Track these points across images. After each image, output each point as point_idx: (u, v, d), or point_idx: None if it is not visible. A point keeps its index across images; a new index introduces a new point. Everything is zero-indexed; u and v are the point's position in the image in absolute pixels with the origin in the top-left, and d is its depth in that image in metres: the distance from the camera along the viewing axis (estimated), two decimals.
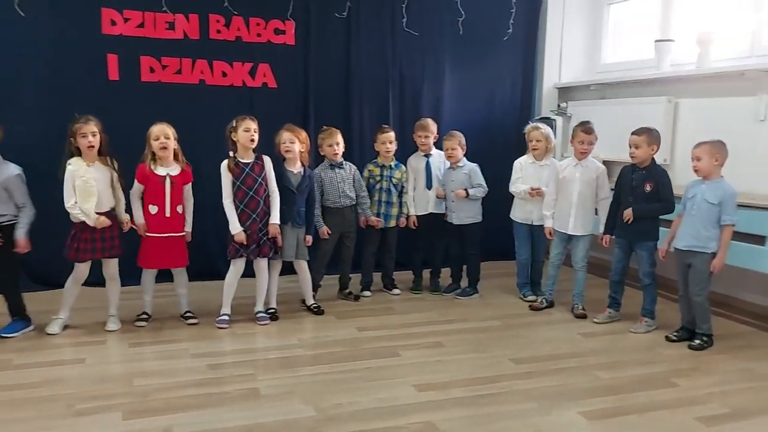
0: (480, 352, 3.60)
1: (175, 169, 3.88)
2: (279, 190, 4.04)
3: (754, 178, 4.06)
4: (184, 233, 3.95)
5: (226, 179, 3.90)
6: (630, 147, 3.95)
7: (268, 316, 4.07)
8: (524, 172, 4.56)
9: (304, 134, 4.22)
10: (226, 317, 3.97)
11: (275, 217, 3.99)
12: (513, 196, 4.64)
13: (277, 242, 4.02)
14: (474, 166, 4.62)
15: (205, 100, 4.95)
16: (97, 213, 3.68)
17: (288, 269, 4.28)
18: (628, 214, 3.92)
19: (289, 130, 4.13)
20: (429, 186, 4.70)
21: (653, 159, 3.95)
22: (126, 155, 3.94)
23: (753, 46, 4.51)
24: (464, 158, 4.62)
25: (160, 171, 3.85)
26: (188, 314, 4.04)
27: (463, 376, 3.24)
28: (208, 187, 4.18)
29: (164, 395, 2.99)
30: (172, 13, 4.82)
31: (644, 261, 3.94)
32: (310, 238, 4.19)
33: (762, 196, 4.02)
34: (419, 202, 4.71)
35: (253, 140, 3.89)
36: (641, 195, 3.90)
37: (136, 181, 3.90)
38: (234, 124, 3.91)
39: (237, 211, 3.89)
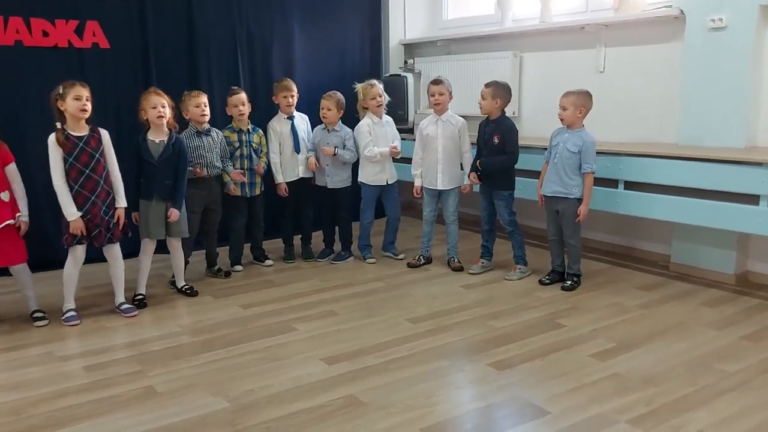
0: (375, 315, 3.56)
1: None
2: (139, 163, 3.63)
3: (596, 126, 4.36)
4: (13, 222, 3.38)
5: (56, 155, 3.35)
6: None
7: (134, 306, 3.69)
8: (374, 135, 4.49)
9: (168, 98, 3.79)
10: (73, 313, 3.52)
11: (122, 200, 3.56)
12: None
13: (120, 225, 3.56)
14: (351, 131, 4.50)
15: (23, 64, 4.29)
16: None
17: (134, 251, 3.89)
18: (473, 175, 4.15)
19: (158, 93, 3.69)
20: (297, 149, 4.51)
21: (503, 112, 4.11)
22: None
23: (588, 2, 4.82)
24: (340, 121, 4.48)
25: None
26: (37, 314, 3.53)
27: (368, 342, 3.19)
28: (34, 166, 3.69)
29: (42, 409, 2.59)
30: None
31: (503, 210, 4.14)
32: (174, 213, 3.74)
33: (607, 142, 4.36)
34: (288, 168, 4.51)
35: (84, 110, 3.36)
36: (492, 147, 4.08)
37: None
38: (60, 91, 3.35)
39: (72, 192, 3.38)
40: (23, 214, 3.43)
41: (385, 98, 4.54)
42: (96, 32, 4.53)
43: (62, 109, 3.36)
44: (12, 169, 3.41)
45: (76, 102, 3.34)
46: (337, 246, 4.70)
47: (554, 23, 4.89)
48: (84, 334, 3.39)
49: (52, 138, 3.37)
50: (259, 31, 5.17)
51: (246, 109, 4.32)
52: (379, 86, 4.51)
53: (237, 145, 4.31)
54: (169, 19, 4.78)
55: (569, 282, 3.92)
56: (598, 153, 4.10)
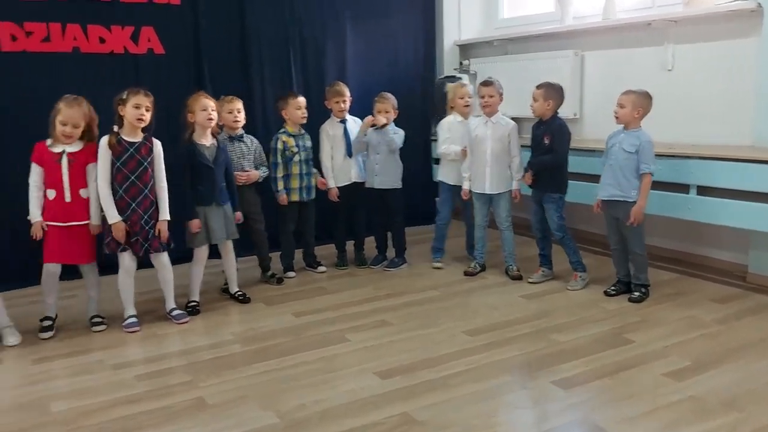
0: (431, 326, 3.42)
1: (75, 145, 3.32)
2: (194, 168, 3.60)
3: (664, 127, 4.13)
4: (88, 222, 3.37)
5: (105, 158, 3.33)
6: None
7: (185, 312, 3.64)
8: (453, 133, 4.39)
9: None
10: (134, 319, 3.50)
11: (165, 213, 3.50)
12: (428, 158, 4.47)
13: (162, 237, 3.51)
14: (401, 134, 4.40)
15: (81, 71, 4.32)
16: None
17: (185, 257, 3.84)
18: (525, 180, 4.00)
19: (207, 96, 3.66)
20: (350, 153, 4.43)
21: (556, 113, 3.92)
22: None
23: None
24: (392, 123, 4.39)
25: (56, 148, 3.27)
26: (96, 319, 3.53)
27: (423, 355, 3.06)
28: None
29: (93, 420, 2.55)
30: None
31: (552, 213, 3.94)
32: (240, 215, 3.79)
33: (676, 144, 4.12)
34: (340, 173, 4.42)
35: (141, 119, 3.35)
36: (542, 148, 3.91)
37: (33, 164, 3.30)
38: (124, 96, 3.37)
39: (115, 197, 3.35)
40: (94, 217, 3.40)
41: (476, 100, 4.40)
42: (151, 38, 4.54)
43: (121, 114, 3.36)
44: (93, 169, 3.38)
45: (135, 110, 3.34)
46: (391, 252, 4.58)
47: (618, 20, 4.65)
48: (137, 341, 3.36)
49: (104, 140, 3.36)
50: (311, 32, 5.11)
51: (306, 113, 4.26)
52: (470, 87, 4.46)
53: (295, 150, 4.24)
54: (222, 22, 4.77)
55: (637, 293, 3.70)
56: (668, 156, 3.89)
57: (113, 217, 3.34)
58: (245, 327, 3.52)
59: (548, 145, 3.87)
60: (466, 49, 5.89)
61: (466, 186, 4.28)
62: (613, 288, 3.82)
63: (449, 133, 4.41)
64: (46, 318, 3.42)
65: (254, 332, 3.42)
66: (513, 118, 4.35)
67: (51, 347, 3.28)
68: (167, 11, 4.57)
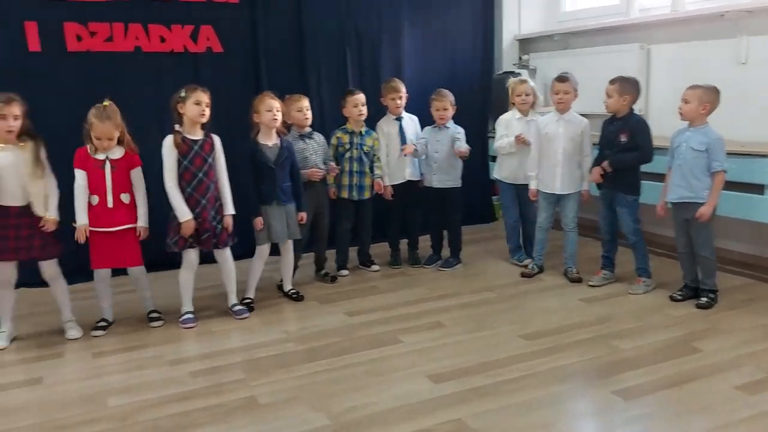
0: (485, 329, 3.34)
1: (116, 152, 3.35)
2: (257, 168, 3.61)
3: (738, 124, 3.90)
4: (132, 226, 3.40)
5: (171, 157, 3.37)
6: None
7: (246, 308, 3.67)
8: (510, 129, 4.28)
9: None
10: (190, 315, 3.54)
11: (229, 207, 3.54)
12: (486, 156, 4.37)
13: (229, 231, 3.55)
14: (461, 131, 4.31)
15: (142, 69, 4.40)
16: (7, 207, 3.17)
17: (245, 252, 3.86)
18: (594, 177, 3.80)
19: (272, 96, 3.67)
20: None
21: (631, 109, 3.75)
22: (52, 138, 3.38)
23: None
24: (452, 120, 4.31)
25: (99, 155, 3.32)
26: (153, 314, 3.59)
27: (477, 359, 2.98)
28: (149, 168, 3.63)
29: (148, 416, 2.58)
30: None
31: (626, 217, 3.77)
32: (304, 215, 3.80)
33: (751, 142, 3.89)
34: (395, 171, 4.37)
35: (203, 114, 3.39)
36: (617, 146, 3.73)
37: (76, 169, 3.35)
38: (182, 95, 3.40)
39: (184, 195, 3.40)
40: (142, 221, 3.43)
41: (535, 97, 4.31)
42: (210, 37, 4.58)
43: (182, 112, 3.39)
44: (137, 174, 3.42)
45: (196, 107, 3.37)
46: (446, 252, 4.50)
47: (688, 11, 4.44)
48: (193, 337, 3.40)
49: (168, 140, 3.40)
50: (367, 29, 5.07)
51: (365, 110, 4.22)
52: (530, 84, 4.32)
53: (347, 146, 4.22)
54: (279, 20, 4.77)
55: (704, 299, 3.51)
56: (740, 154, 3.68)
57: (185, 214, 3.38)
58: (298, 325, 3.51)
59: (626, 143, 3.68)
60: (526, 44, 5.74)
61: (533, 186, 4.15)
62: (679, 293, 3.64)
63: (506, 130, 4.30)
64: (102, 320, 3.49)
65: (307, 331, 3.41)
66: None
67: (110, 342, 3.34)
68: (226, 10, 4.61)
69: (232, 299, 3.66)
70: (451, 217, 4.39)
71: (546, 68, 5.33)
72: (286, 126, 3.88)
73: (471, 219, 5.03)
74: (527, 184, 4.22)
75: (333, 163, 4.13)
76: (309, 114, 3.98)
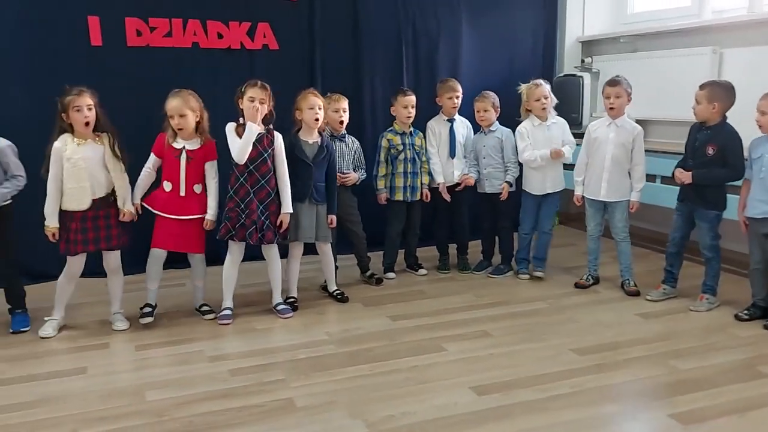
0: (535, 341, 3.20)
1: (194, 143, 3.39)
2: (292, 163, 3.57)
3: None
4: (200, 216, 3.42)
5: (233, 137, 3.39)
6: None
7: (290, 308, 3.63)
8: (534, 139, 4.10)
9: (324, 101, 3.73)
10: (229, 312, 3.52)
11: (287, 206, 3.51)
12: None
13: (282, 229, 3.54)
14: (508, 133, 4.18)
15: (199, 65, 4.42)
16: (93, 199, 3.23)
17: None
18: (682, 176, 3.52)
19: (315, 94, 3.64)
20: (453, 154, 4.27)
21: (724, 118, 3.50)
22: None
23: None
24: (497, 122, 4.17)
25: (177, 144, 3.36)
26: (205, 307, 3.60)
27: (525, 373, 2.84)
28: None
29: (184, 412, 2.56)
30: None
31: (706, 233, 3.54)
32: (333, 218, 3.73)
33: None
34: (444, 173, 4.25)
35: (256, 110, 3.39)
36: (703, 158, 3.49)
37: (152, 153, 3.43)
38: (242, 89, 3.43)
39: (236, 184, 3.41)
40: (211, 213, 3.44)
41: (552, 100, 4.14)
42: (266, 34, 4.57)
43: (240, 106, 3.43)
44: (212, 167, 3.45)
45: (249, 103, 3.38)
46: (497, 259, 4.37)
47: (766, 13, 4.17)
48: (235, 334, 3.38)
49: (231, 125, 3.42)
50: (424, 28, 4.98)
51: (414, 112, 4.16)
52: (545, 87, 4.12)
53: (401, 148, 4.14)
54: (336, 18, 4.73)
55: None
56: None
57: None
58: (341, 327, 3.45)
59: (712, 156, 3.45)
60: (590, 46, 5.54)
61: (578, 191, 3.99)
62: (746, 312, 3.41)
63: (528, 139, 4.10)
64: (147, 305, 3.50)
65: (349, 333, 3.34)
66: (639, 121, 4.01)
67: (154, 335, 3.35)
68: (283, 7, 4.60)
69: (277, 297, 3.63)
70: (503, 223, 4.25)
71: (610, 71, 5.05)
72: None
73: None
74: (551, 193, 4.08)
75: (360, 172, 4.05)
76: (345, 116, 3.91)
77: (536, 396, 2.63)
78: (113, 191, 3.31)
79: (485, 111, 4.12)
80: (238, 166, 3.40)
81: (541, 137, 4.08)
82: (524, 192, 4.19)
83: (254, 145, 3.40)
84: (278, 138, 3.51)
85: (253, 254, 3.72)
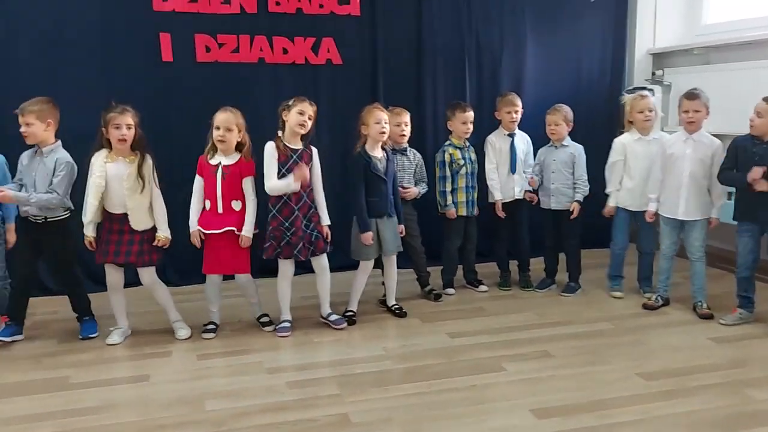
0: (598, 364, 3.08)
1: (231, 159, 3.42)
2: (368, 180, 3.58)
3: None
4: (235, 230, 3.42)
5: (272, 162, 3.39)
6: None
7: (343, 318, 3.63)
8: (629, 152, 3.97)
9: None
10: (287, 324, 3.54)
11: (325, 218, 3.53)
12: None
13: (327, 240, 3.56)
14: (581, 149, 4.08)
15: (264, 80, 4.52)
16: (112, 213, 3.31)
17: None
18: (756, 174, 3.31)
19: (381, 109, 3.64)
20: (513, 170, 4.20)
21: None
22: (181, 144, 3.54)
23: None
24: (568, 137, 4.08)
25: (214, 160, 3.41)
26: (263, 318, 3.63)
27: (587, 397, 2.74)
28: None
29: (242, 423, 2.58)
30: None
31: None
32: (402, 228, 3.76)
33: None
34: (504, 188, 4.20)
35: (303, 125, 3.40)
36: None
37: (197, 175, 3.49)
38: (290, 103, 3.44)
39: (279, 203, 3.41)
40: (245, 229, 3.44)
41: (657, 114, 4.00)
42: (330, 49, 4.63)
43: (285, 119, 3.43)
44: (249, 183, 3.46)
45: (299, 116, 3.40)
46: (560, 276, 4.25)
47: None
48: (294, 346, 3.40)
49: (270, 144, 3.44)
50: (488, 41, 4.94)
51: (471, 127, 4.13)
52: (651, 99, 3.98)
53: (462, 162, 4.11)
54: (399, 33, 4.76)
55: None
56: None
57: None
58: (398, 343, 3.42)
59: None
60: (661, 58, 5.35)
61: (652, 208, 3.84)
62: None
63: (621, 155, 3.98)
64: (211, 323, 3.56)
65: (406, 349, 3.31)
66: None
67: (215, 344, 3.42)
68: (347, 22, 4.64)
69: (326, 308, 3.63)
70: (569, 240, 4.13)
71: (682, 85, 4.89)
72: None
73: (590, 242, 4.70)
74: (645, 211, 3.91)
75: (422, 186, 4.04)
76: (406, 130, 3.92)
77: (599, 422, 2.53)
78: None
79: (557, 125, 4.03)
80: None
81: (641, 152, 3.93)
82: (617, 207, 4.05)
83: (296, 161, 3.42)
84: (315, 153, 3.53)
85: (309, 267, 3.71)
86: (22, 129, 3.26)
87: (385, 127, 3.59)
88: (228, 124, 3.35)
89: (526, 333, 3.49)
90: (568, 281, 4.19)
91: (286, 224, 3.42)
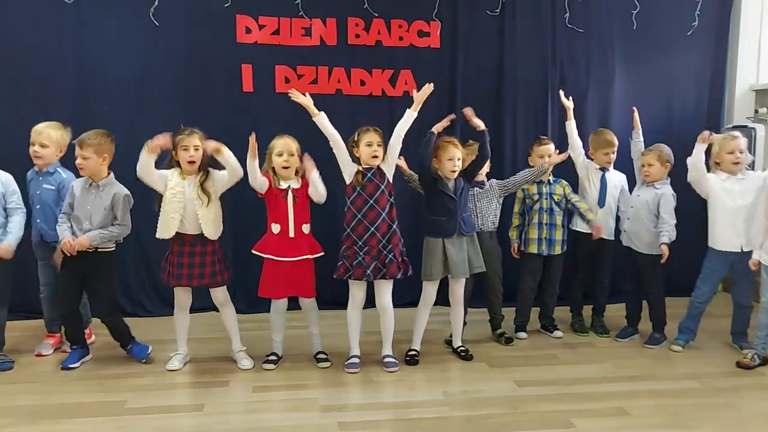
0: (681, 427, 2.79)
1: (296, 182, 3.41)
2: (436, 198, 3.48)
3: None
4: (311, 257, 3.41)
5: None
6: None
7: (396, 362, 3.47)
8: (719, 191, 3.66)
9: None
10: (356, 360, 3.44)
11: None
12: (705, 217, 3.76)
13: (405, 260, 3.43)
14: (666, 191, 3.78)
15: (341, 111, 4.48)
16: (184, 234, 3.34)
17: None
18: None
19: (456, 145, 3.53)
20: (602, 204, 3.97)
21: None
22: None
23: None
24: (668, 178, 3.83)
25: (282, 184, 3.39)
26: (321, 355, 3.55)
27: None
28: (335, 204, 3.69)
29: None
30: (308, 17, 4.44)
31: None
32: None
33: None
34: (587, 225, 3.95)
35: (376, 156, 3.36)
36: None
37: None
38: (355, 138, 3.42)
39: (353, 221, 3.35)
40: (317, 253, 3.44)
41: (747, 156, 3.70)
42: (408, 81, 4.57)
43: (357, 155, 3.40)
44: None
45: (368, 148, 3.37)
46: (643, 326, 3.94)
47: None
48: (352, 384, 3.29)
49: (354, 166, 3.40)
50: (574, 74, 4.75)
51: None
52: (742, 140, 3.67)
53: (536, 197, 3.93)
54: (479, 65, 4.67)
55: None
56: None
57: None
58: (460, 388, 3.24)
59: None
60: (765, 95, 4.97)
61: (756, 256, 3.49)
62: None
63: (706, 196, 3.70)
64: (273, 354, 3.51)
65: (468, 396, 3.13)
66: None
67: (272, 376, 3.36)
68: (426, 55, 4.60)
69: (386, 348, 3.50)
70: (652, 287, 3.83)
71: None
72: None
73: (683, 288, 4.34)
74: (746, 252, 3.56)
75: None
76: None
77: None
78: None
79: (650, 165, 3.78)
80: (356, 202, 3.35)
81: (733, 191, 3.63)
82: (713, 251, 3.72)
83: (370, 179, 3.36)
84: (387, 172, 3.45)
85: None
86: (78, 161, 3.34)
87: (457, 164, 3.47)
88: (290, 149, 3.37)
89: (601, 386, 3.23)
90: (652, 332, 3.87)
91: (359, 243, 3.34)
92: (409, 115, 3.42)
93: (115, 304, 3.64)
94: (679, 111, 4.90)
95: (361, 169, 3.38)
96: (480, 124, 3.56)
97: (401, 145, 3.45)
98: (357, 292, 3.44)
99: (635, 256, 3.82)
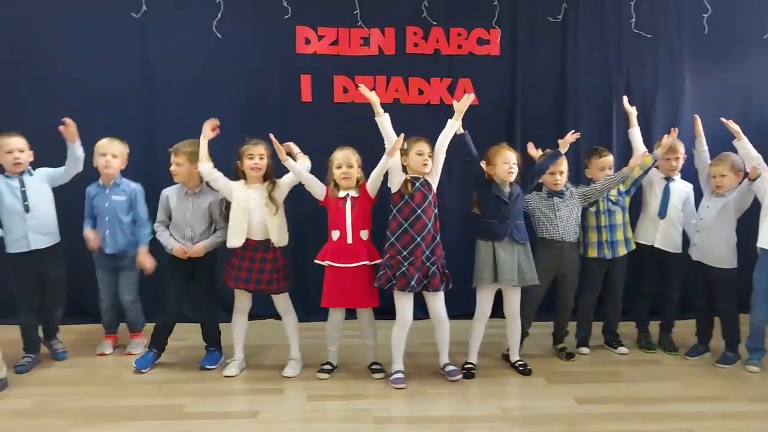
0: None
1: (355, 190, 3.42)
2: (488, 201, 3.43)
3: None
4: (369, 264, 3.39)
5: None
6: None
7: (459, 371, 3.41)
8: None
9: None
10: (401, 375, 3.36)
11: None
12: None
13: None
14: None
15: (399, 120, 4.43)
16: (249, 239, 3.42)
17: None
18: None
19: (510, 149, 3.49)
20: (662, 215, 3.82)
21: None
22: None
23: None
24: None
25: (341, 193, 3.42)
26: (375, 366, 3.52)
27: None
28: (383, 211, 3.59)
29: None
30: (367, 27, 4.46)
31: None
32: None
33: None
34: (645, 230, 3.85)
35: (426, 164, 3.33)
36: None
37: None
38: (405, 147, 3.39)
39: (399, 230, 3.30)
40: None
41: None
42: (467, 89, 4.51)
43: (405, 163, 3.38)
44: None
45: (419, 157, 3.35)
46: (715, 343, 3.74)
47: None
48: (407, 396, 3.24)
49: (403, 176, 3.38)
50: (640, 83, 4.58)
51: (611, 173, 3.82)
52: None
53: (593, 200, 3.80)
54: (540, 72, 4.57)
55: None
56: None
57: None
58: (518, 404, 3.15)
59: None
60: None
61: None
62: None
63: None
64: (327, 363, 3.52)
65: (526, 412, 3.03)
66: None
67: (328, 386, 3.35)
68: (486, 63, 4.54)
69: (444, 358, 3.45)
70: (723, 305, 3.64)
71: None
72: None
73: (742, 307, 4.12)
74: None
75: None
76: (560, 179, 3.68)
77: None
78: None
79: (722, 176, 3.62)
80: (402, 211, 3.31)
81: None
82: (761, 256, 3.49)
83: (418, 188, 3.33)
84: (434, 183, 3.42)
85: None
86: (173, 168, 3.54)
87: (513, 167, 3.40)
88: (349, 161, 3.40)
89: (668, 406, 3.07)
90: (724, 350, 3.67)
91: (404, 253, 3.30)
92: (451, 125, 3.38)
93: (213, 304, 3.73)
94: (756, 120, 4.63)
95: (409, 178, 3.35)
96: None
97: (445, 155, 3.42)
98: (403, 306, 3.35)
99: (707, 270, 3.65)
